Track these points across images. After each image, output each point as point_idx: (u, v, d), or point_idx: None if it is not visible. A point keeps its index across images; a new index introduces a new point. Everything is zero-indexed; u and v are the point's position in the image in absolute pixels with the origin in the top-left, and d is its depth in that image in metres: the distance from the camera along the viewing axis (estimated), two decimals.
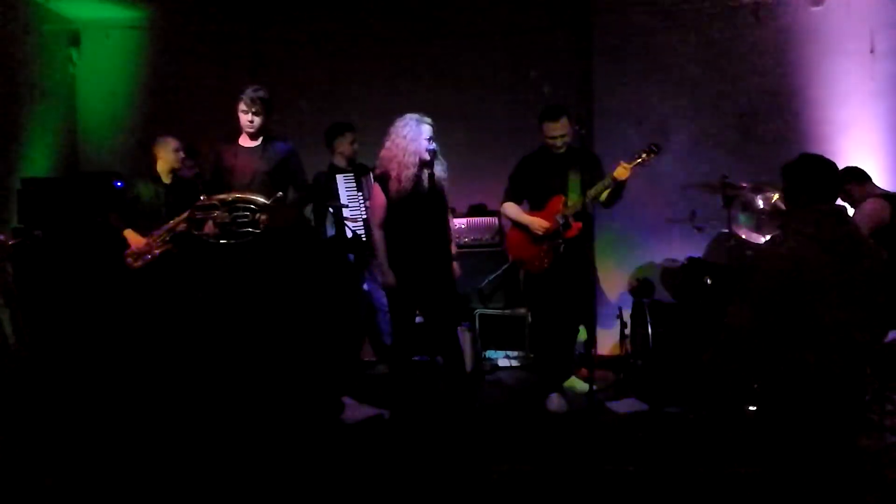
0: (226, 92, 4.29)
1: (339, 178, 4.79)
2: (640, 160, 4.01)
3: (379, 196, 3.76)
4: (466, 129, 5.34)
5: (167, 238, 4.30)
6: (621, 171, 3.97)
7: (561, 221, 4.12)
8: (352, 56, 5.77)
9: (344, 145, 4.90)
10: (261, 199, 3.82)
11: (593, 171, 4.16)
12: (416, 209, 3.72)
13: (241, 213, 3.83)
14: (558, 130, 4.15)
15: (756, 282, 2.74)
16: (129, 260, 4.31)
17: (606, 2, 5.45)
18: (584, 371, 4.63)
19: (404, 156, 3.67)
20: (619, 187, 4.07)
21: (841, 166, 3.18)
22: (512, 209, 4.32)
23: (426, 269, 3.75)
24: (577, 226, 4.08)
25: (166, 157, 4.53)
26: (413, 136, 3.68)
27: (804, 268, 2.62)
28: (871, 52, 5.07)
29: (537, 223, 4.16)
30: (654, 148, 4.03)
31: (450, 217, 3.98)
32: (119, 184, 5.00)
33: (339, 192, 4.76)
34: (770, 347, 2.70)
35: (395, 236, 3.79)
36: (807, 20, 5.17)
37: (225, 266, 3.98)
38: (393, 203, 3.73)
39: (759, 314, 2.69)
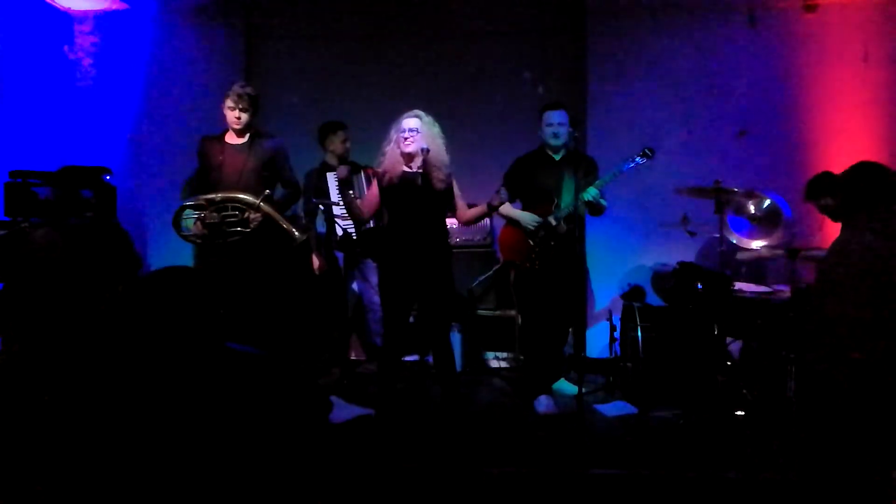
0: (217, 86, 4.26)
1: (330, 176, 4.77)
2: (633, 164, 4.03)
3: (372, 188, 3.87)
4: (460, 129, 5.31)
5: None
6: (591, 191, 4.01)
7: (553, 224, 4.11)
8: (346, 53, 5.74)
9: (336, 143, 4.88)
10: (249, 198, 3.79)
11: (589, 174, 4.16)
12: (408, 204, 3.75)
13: (229, 213, 3.80)
14: (557, 118, 4.21)
15: (840, 274, 2.92)
16: None
17: (601, 7, 5.45)
18: (573, 373, 4.62)
19: (390, 151, 3.78)
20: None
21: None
22: (504, 206, 4.32)
23: (420, 264, 3.75)
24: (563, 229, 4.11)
25: None
26: (396, 133, 3.78)
27: (880, 262, 2.82)
28: (865, 59, 5.09)
29: (528, 216, 4.17)
30: (648, 152, 4.04)
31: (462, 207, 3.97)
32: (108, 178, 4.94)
33: (330, 189, 4.74)
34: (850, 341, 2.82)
35: (390, 231, 3.83)
36: (801, 27, 5.18)
37: (214, 264, 3.95)
38: (386, 197, 3.80)
39: (850, 305, 2.84)
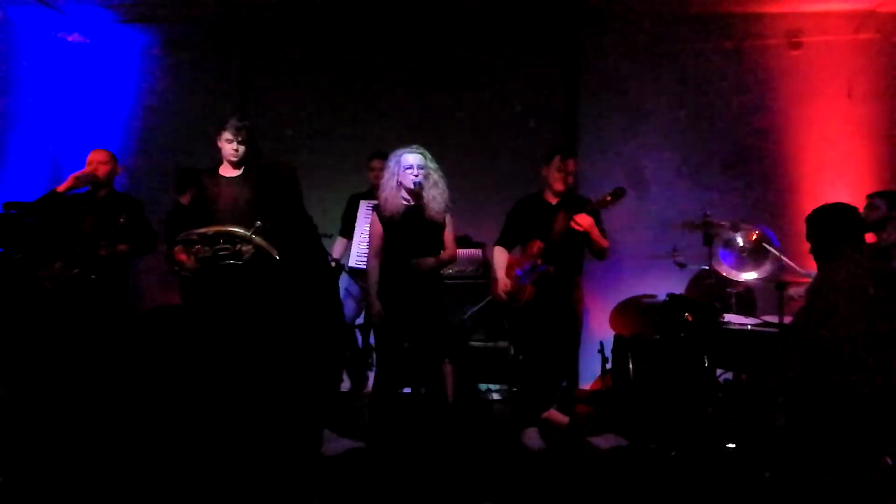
0: (213, 118, 4.29)
1: (362, 203, 4.77)
2: (604, 203, 4.05)
3: (375, 225, 3.90)
4: (451, 161, 5.37)
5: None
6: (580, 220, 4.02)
7: (529, 269, 4.17)
8: (339, 86, 5.81)
9: (371, 171, 4.87)
10: (241, 231, 3.79)
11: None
12: (406, 238, 3.80)
13: (221, 246, 3.80)
14: (573, 166, 4.26)
15: (819, 303, 3.04)
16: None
17: (592, 42, 5.55)
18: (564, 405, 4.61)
19: (390, 187, 3.81)
20: (583, 237, 4.10)
21: (817, 205, 3.30)
22: (497, 257, 4.36)
23: (414, 299, 3.77)
24: (549, 269, 4.14)
25: None
26: (397, 167, 3.80)
27: (857, 295, 2.92)
28: (849, 95, 5.19)
29: (502, 285, 4.24)
30: (618, 192, 4.03)
31: (449, 246, 3.99)
32: None
33: (358, 216, 4.74)
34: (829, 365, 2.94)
35: (385, 264, 3.86)
36: (786, 64, 5.29)
37: (208, 297, 3.95)
38: (386, 232, 3.85)
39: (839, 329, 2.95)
